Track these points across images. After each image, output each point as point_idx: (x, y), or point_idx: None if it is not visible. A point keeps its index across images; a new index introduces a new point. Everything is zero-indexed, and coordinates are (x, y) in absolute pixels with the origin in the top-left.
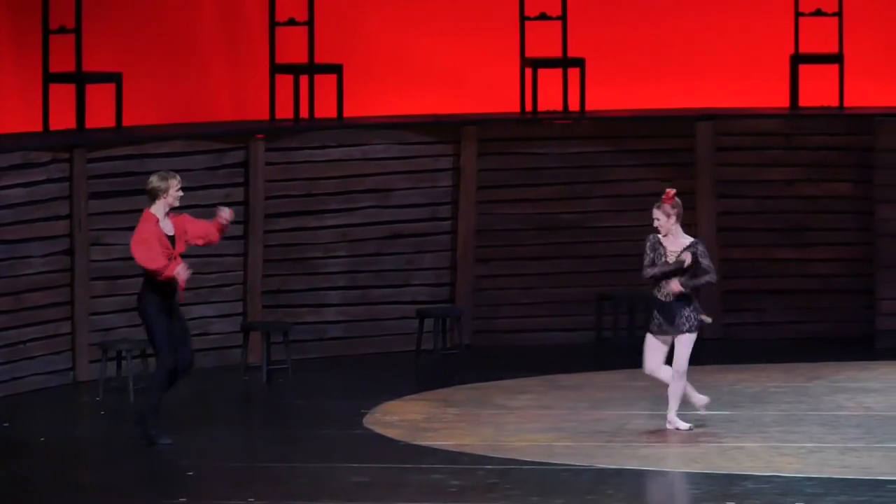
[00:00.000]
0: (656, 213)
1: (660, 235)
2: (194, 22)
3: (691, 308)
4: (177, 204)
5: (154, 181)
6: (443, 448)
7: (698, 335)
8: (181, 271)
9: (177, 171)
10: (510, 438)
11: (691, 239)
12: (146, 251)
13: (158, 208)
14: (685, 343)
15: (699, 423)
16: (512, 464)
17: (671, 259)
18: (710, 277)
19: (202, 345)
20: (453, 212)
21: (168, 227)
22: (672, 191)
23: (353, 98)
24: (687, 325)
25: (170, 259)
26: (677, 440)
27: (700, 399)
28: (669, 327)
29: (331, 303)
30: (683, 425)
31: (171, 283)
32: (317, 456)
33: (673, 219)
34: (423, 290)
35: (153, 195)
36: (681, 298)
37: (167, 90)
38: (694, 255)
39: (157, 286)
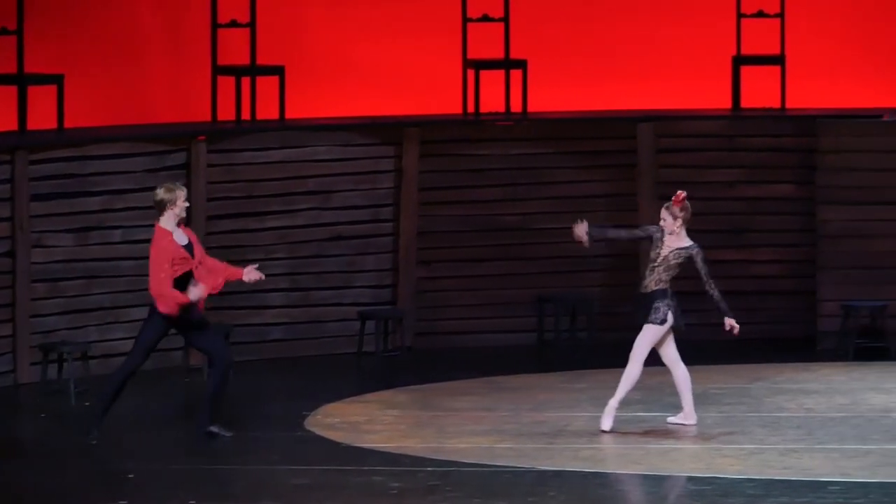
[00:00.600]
0: (664, 213)
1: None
2: (136, 24)
3: (665, 303)
4: (184, 214)
5: (161, 193)
6: (384, 450)
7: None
8: (194, 293)
9: (118, 173)
10: (451, 440)
11: (691, 242)
12: (153, 275)
13: (168, 220)
14: (645, 332)
15: (641, 424)
16: (453, 466)
17: (664, 253)
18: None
19: None
20: (395, 214)
21: (181, 237)
22: (683, 193)
23: (295, 100)
24: (653, 316)
25: (193, 268)
26: (619, 442)
27: (689, 417)
28: (642, 319)
29: (272, 304)
30: (606, 425)
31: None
32: (258, 458)
33: (679, 221)
34: (364, 292)
35: (161, 207)
36: (658, 292)
37: (109, 92)
38: (690, 257)
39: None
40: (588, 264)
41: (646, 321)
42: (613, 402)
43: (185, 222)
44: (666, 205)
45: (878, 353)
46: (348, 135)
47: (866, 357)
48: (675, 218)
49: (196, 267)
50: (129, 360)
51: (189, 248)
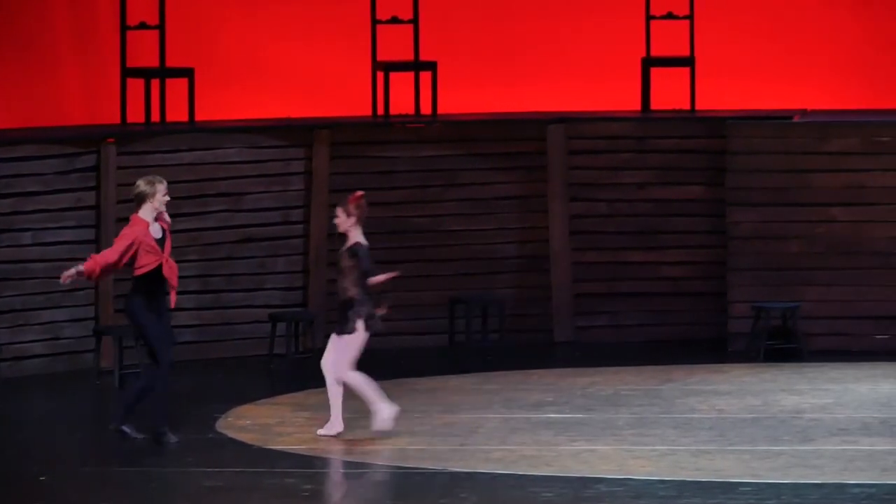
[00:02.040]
0: (338, 211)
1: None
2: (45, 25)
3: (354, 311)
4: (163, 208)
5: (141, 185)
6: (296, 452)
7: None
8: (67, 273)
9: (28, 175)
10: (363, 442)
11: (357, 241)
12: (111, 247)
13: (146, 212)
14: (342, 345)
15: (551, 426)
16: (365, 467)
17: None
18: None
19: (54, 349)
20: (305, 216)
21: (157, 230)
22: (360, 193)
23: (205, 102)
24: (347, 328)
25: (159, 261)
26: (531, 443)
27: (384, 411)
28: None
29: (183, 307)
30: (332, 430)
31: (159, 283)
32: (170, 460)
33: (353, 219)
34: (275, 294)
35: (140, 199)
36: (346, 302)
37: (18, 94)
38: (355, 254)
39: (143, 286)
40: (499, 266)
41: (340, 334)
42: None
43: (96, 224)
44: (342, 203)
45: (788, 355)
46: (258, 137)
47: (777, 358)
48: (348, 215)
49: (165, 261)
50: (164, 361)
51: (161, 242)
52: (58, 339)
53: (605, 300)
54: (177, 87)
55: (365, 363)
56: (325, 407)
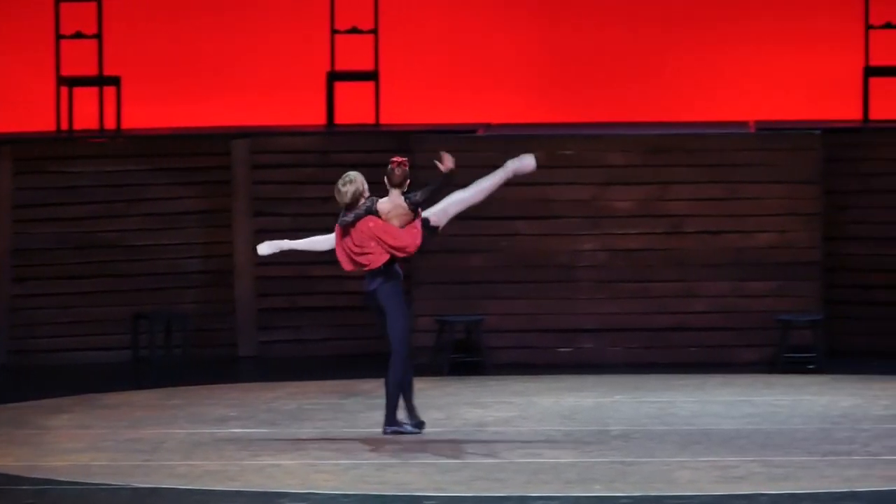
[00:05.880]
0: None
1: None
2: None
3: None
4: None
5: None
6: None
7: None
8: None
9: None
10: (48, 458)
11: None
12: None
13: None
14: None
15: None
16: (49, 484)
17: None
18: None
19: None
20: None
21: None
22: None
23: None
24: None
25: None
26: (216, 458)
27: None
28: None
29: None
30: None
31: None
32: None
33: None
34: None
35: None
36: None
37: None
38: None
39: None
40: (183, 281)
41: None
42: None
43: None
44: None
45: (472, 368)
46: None
47: (461, 372)
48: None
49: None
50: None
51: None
52: None
53: (288, 315)
54: None
55: (50, 378)
56: (8, 422)
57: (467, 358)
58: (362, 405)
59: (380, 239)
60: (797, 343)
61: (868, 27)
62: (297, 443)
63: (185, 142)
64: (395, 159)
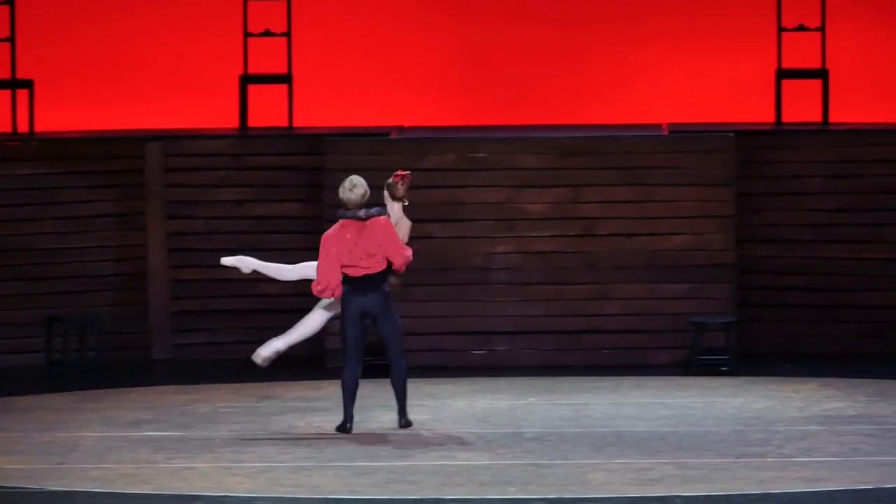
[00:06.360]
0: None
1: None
2: None
3: None
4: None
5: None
6: None
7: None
8: None
9: None
10: None
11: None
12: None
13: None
14: None
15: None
16: None
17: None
18: None
19: None
20: None
21: None
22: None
23: None
24: None
25: None
26: (129, 461)
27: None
28: None
29: None
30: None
31: None
32: None
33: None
34: None
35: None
36: None
37: None
38: None
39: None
40: (97, 284)
41: None
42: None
43: None
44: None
45: (384, 371)
46: None
47: (375, 375)
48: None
49: None
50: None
51: None
52: None
53: (203, 317)
54: None
55: None
56: None
57: (381, 361)
58: (276, 408)
59: (391, 243)
60: (711, 345)
61: (780, 29)
62: (212, 446)
63: (98, 145)
64: (398, 173)
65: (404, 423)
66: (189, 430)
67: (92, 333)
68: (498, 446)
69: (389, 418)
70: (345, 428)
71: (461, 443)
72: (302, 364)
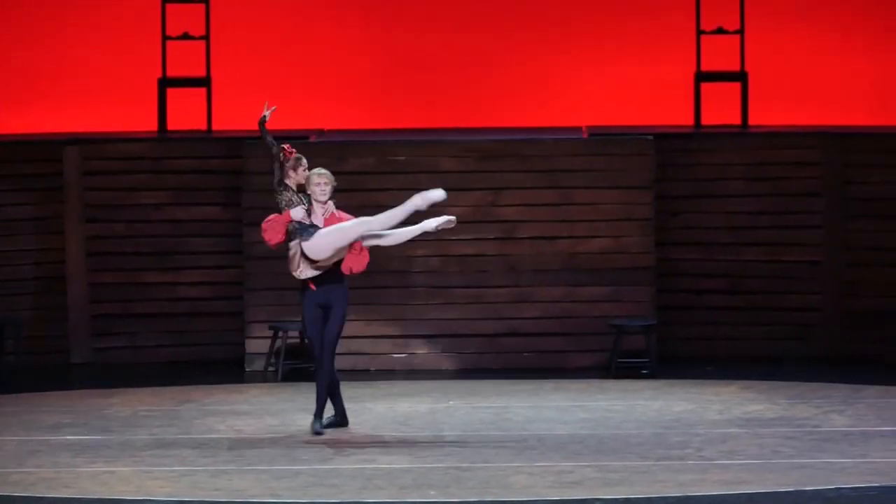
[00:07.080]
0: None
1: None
2: None
3: None
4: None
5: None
6: None
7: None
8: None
9: None
10: None
11: None
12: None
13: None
14: None
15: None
16: None
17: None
18: None
19: None
20: None
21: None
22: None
23: None
24: None
25: None
26: (50, 466)
27: None
28: None
29: None
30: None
31: None
32: None
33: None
34: None
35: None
36: None
37: None
38: None
39: None
40: (15, 287)
41: None
42: None
43: None
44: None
45: (305, 375)
46: None
47: (295, 378)
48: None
49: None
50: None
51: None
52: None
53: (122, 321)
54: None
55: None
56: None
57: (301, 364)
58: (197, 411)
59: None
60: (631, 348)
61: (700, 32)
62: (132, 449)
63: (16, 149)
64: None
65: (321, 425)
66: (109, 433)
67: (10, 337)
68: (419, 449)
69: (309, 422)
70: (344, 423)
71: (382, 446)
72: (223, 367)
